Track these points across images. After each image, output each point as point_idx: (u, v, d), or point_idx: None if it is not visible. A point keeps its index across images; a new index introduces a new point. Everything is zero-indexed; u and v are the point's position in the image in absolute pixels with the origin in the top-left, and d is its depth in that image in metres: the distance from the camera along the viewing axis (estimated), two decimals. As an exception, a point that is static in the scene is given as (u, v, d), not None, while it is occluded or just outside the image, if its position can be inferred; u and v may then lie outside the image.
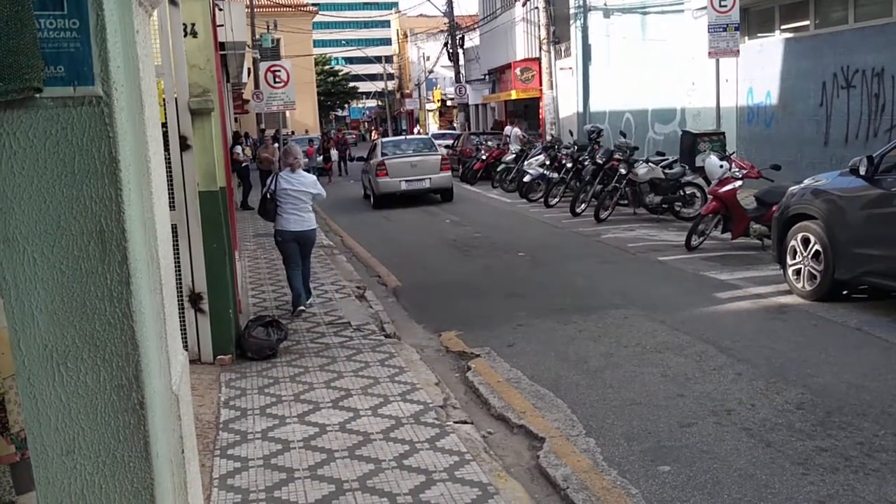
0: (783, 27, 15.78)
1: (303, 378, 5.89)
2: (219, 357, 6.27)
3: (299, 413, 5.17)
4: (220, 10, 13.23)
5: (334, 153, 30.16)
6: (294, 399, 5.45)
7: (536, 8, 26.66)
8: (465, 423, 5.00)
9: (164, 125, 5.76)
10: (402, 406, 5.23)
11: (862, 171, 6.95)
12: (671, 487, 4.06)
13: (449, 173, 18.80)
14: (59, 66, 1.74)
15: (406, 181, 17.98)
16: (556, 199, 16.18)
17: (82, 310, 1.79)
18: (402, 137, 24.35)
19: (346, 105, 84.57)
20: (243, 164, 18.36)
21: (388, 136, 39.35)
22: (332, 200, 18.65)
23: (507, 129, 25.13)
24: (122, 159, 1.78)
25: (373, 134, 51.07)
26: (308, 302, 8.12)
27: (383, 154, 18.73)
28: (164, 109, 5.79)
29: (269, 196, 7.89)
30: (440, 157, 18.90)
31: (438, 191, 18.47)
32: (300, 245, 7.92)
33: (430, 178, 18.15)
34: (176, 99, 5.87)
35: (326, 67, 74.90)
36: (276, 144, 18.75)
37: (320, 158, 27.85)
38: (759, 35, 16.47)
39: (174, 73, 5.81)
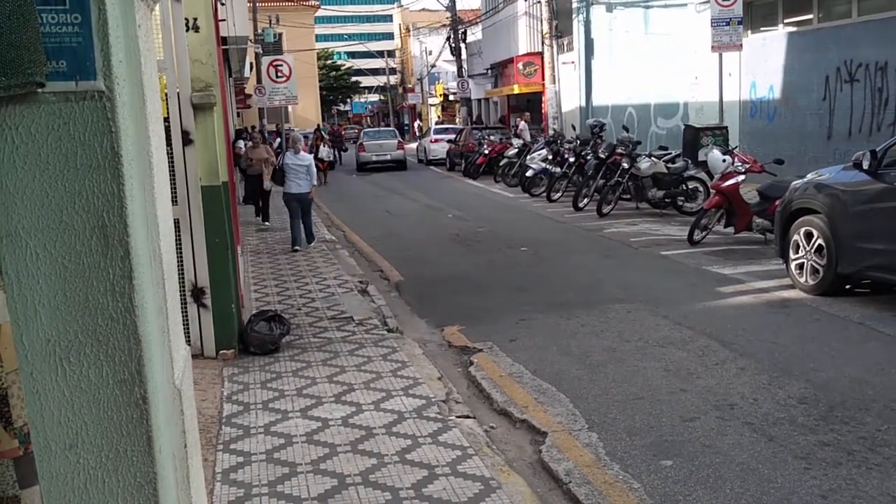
0: (786, 21, 15.74)
1: (305, 373, 5.90)
2: (221, 352, 6.28)
3: (302, 408, 5.18)
4: (223, 4, 13.18)
5: (325, 150, 24.73)
6: (296, 394, 5.46)
7: (539, 2, 26.58)
8: (467, 417, 5.01)
9: (167, 120, 5.76)
10: (404, 401, 5.24)
11: (865, 165, 6.94)
12: (673, 482, 4.06)
13: (402, 151, 29.18)
14: (62, 60, 1.73)
15: (376, 155, 28.74)
16: (559, 194, 16.16)
17: (85, 304, 1.79)
18: (376, 129, 38.53)
19: (349, 100, 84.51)
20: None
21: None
22: (333, 197, 18.60)
23: (522, 124, 24.83)
24: (125, 154, 1.78)
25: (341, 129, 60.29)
26: (312, 244, 11.75)
27: (364, 138, 30.86)
28: (167, 104, 5.78)
29: (279, 168, 12.45)
30: (397, 141, 29.86)
31: (395, 161, 28.55)
32: (299, 203, 11.56)
33: (390, 154, 28.65)
34: (178, 93, 5.87)
35: (329, 62, 74.84)
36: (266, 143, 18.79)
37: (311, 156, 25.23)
38: (762, 29, 16.43)
39: (176, 67, 5.81)
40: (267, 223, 14.38)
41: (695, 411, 4.94)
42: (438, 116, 49.11)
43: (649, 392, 5.31)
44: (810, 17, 15.05)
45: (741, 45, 14.82)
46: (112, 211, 1.78)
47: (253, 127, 27.11)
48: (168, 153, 5.87)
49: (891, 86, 12.89)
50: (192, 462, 2.30)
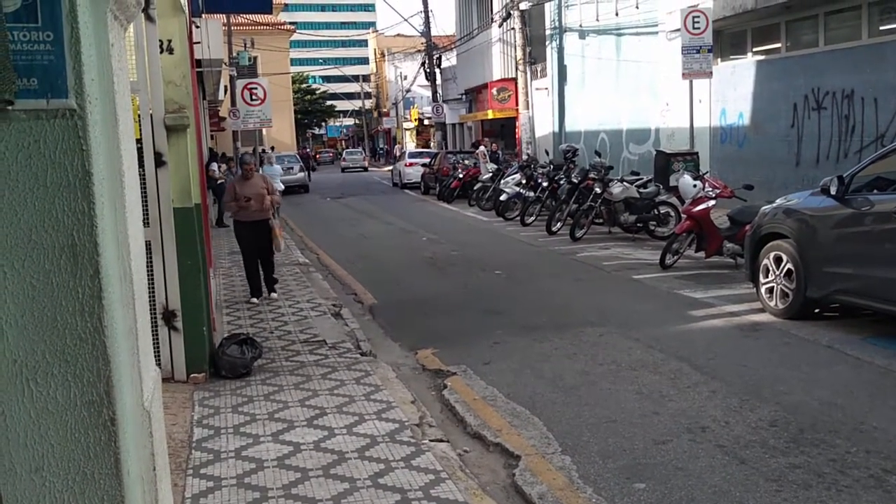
0: (755, 49, 16.06)
1: (277, 396, 5.84)
2: (192, 375, 6.20)
3: (273, 432, 5.12)
4: (197, 27, 13.19)
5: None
6: (268, 418, 5.40)
7: (513, 29, 26.90)
8: (440, 441, 4.98)
9: (139, 141, 5.72)
10: (377, 424, 5.20)
11: (833, 191, 7.06)
12: (646, 505, 4.06)
13: (366, 162, 53.79)
14: (33, 78, 1.72)
15: (351, 164, 51.51)
16: (533, 218, 16.25)
17: (53, 324, 1.77)
18: (351, 149, 60.77)
19: (324, 123, 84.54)
20: (219, 182, 18.27)
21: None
22: (307, 220, 18.51)
23: (481, 148, 25.15)
24: (96, 173, 1.77)
25: (317, 155, 69.90)
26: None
27: (344, 154, 56.41)
28: (140, 125, 5.75)
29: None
30: (363, 156, 55.22)
31: (362, 167, 50.88)
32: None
33: (360, 164, 51.77)
34: (151, 115, 5.84)
35: (304, 86, 74.90)
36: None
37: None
38: (731, 57, 16.73)
39: (150, 89, 5.79)
40: (273, 294, 9.68)
41: (667, 434, 4.96)
42: (401, 143, 55.64)
43: (622, 415, 5.32)
44: (778, 45, 15.36)
45: (711, 72, 15.08)
46: (82, 230, 1.76)
47: (264, 150, 22.79)
48: (140, 174, 5.82)
49: (857, 113, 13.16)
50: (161, 486, 2.26)
